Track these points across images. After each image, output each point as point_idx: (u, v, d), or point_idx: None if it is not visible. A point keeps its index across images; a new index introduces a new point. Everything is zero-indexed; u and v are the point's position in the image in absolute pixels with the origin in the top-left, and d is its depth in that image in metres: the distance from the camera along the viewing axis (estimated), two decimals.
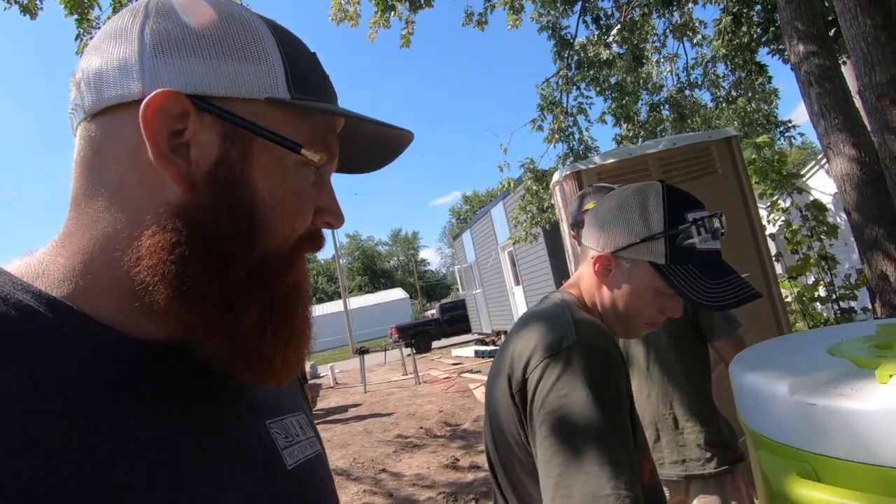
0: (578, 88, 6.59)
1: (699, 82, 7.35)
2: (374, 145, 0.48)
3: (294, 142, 0.39)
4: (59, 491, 0.29)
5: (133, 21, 0.38)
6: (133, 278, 0.36)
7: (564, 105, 6.50)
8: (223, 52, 0.38)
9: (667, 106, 7.41)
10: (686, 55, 7.41)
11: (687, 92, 7.34)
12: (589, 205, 1.49)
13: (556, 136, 6.26)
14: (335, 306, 32.12)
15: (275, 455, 0.43)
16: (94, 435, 0.32)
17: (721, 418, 1.49)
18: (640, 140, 6.81)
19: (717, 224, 0.79)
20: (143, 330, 0.38)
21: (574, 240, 1.60)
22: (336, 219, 0.44)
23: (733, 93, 6.87)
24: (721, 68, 7.16)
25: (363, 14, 5.27)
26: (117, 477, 0.32)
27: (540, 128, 6.53)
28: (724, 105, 7.14)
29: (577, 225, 1.51)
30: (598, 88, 6.77)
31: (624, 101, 6.76)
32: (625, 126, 6.79)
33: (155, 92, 0.35)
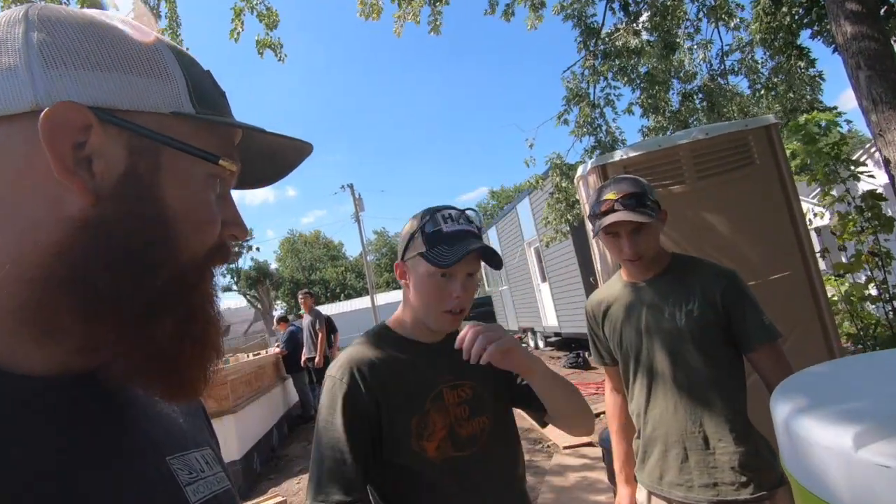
0: (605, 79, 6.35)
1: (735, 69, 6.98)
2: (271, 158, 0.49)
3: (210, 152, 0.40)
4: None
5: (12, 30, 0.36)
6: (25, 299, 0.34)
7: (591, 97, 6.27)
8: (125, 67, 0.38)
9: (700, 95, 7.07)
10: (721, 40, 7.04)
11: (721, 80, 6.98)
12: (609, 195, 1.36)
13: (583, 129, 6.05)
14: (363, 302, 32.46)
15: (177, 491, 0.41)
16: None
17: (758, 436, 1.34)
18: (670, 132, 6.52)
19: (454, 213, 1.01)
20: (29, 361, 0.36)
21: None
22: (240, 230, 0.45)
23: (773, 79, 6.50)
24: (759, 53, 6.79)
25: (385, 9, 5.19)
26: None
27: (566, 121, 6.33)
28: (762, 92, 6.77)
29: (594, 217, 1.40)
30: (626, 78, 6.51)
31: (654, 91, 6.48)
32: (653, 117, 6.51)
33: (56, 103, 0.34)
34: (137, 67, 0.38)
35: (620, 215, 1.33)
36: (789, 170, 2.73)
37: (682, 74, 7.12)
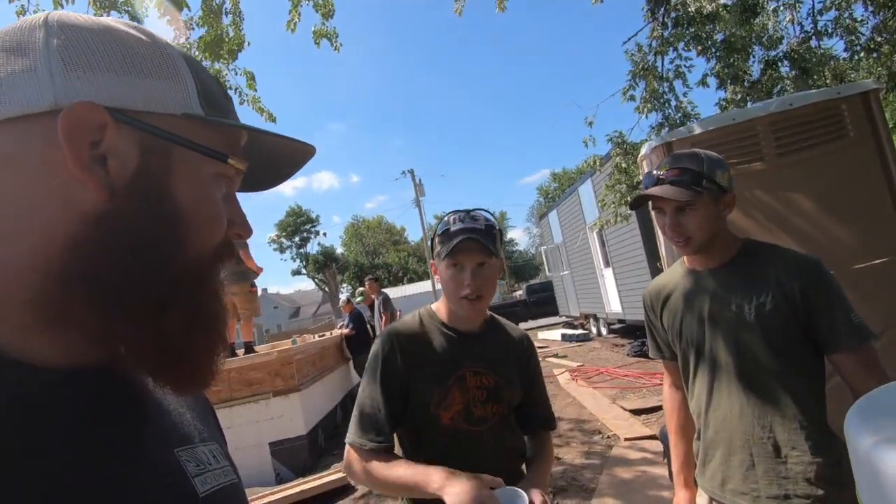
0: (676, 50, 5.88)
1: (829, 30, 6.23)
2: (274, 161, 0.50)
3: (220, 152, 0.42)
4: None
5: (32, 35, 0.38)
6: (40, 291, 0.36)
7: (659, 70, 5.84)
8: (138, 70, 0.39)
9: (786, 61, 6.39)
10: None
11: (813, 42, 6.26)
12: (661, 168, 1.27)
13: (649, 104, 5.66)
14: (424, 286, 32.99)
15: (185, 482, 0.42)
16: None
17: (841, 446, 1.18)
18: (749, 104, 5.95)
19: (462, 215, 1.19)
20: (43, 353, 0.37)
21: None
22: (244, 230, 0.46)
23: (876, 38, 5.73)
24: (859, 10, 6.00)
25: None
26: (23, 497, 0.31)
27: (632, 97, 5.95)
28: (862, 55, 6.00)
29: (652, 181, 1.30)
30: (699, 48, 5.99)
31: (731, 60, 5.92)
32: (731, 88, 5.97)
33: (74, 103, 0.36)
34: (150, 71, 0.40)
35: (657, 190, 1.23)
36: (892, 142, 2.39)
37: (765, 40, 6.45)
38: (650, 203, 1.31)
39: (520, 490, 0.96)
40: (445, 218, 1.21)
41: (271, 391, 4.98)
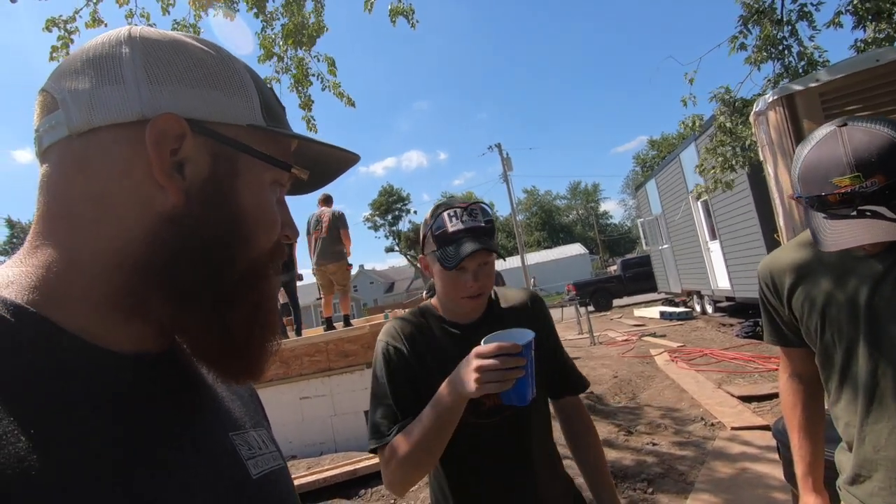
0: None
1: None
2: (318, 166, 0.53)
3: (284, 161, 0.46)
4: (30, 483, 0.30)
5: (118, 49, 0.42)
6: (118, 284, 0.40)
7: (778, 11, 5.06)
8: (211, 83, 0.43)
9: None
10: None
11: None
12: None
13: (764, 53, 4.94)
14: (514, 262, 32.72)
15: (240, 465, 0.45)
16: (61, 442, 0.33)
17: None
18: None
19: (459, 211, 1.07)
20: (116, 339, 0.40)
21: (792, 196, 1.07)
22: (293, 232, 0.50)
23: None
24: None
25: None
26: (84, 487, 0.33)
27: (743, 46, 5.23)
28: None
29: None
30: None
31: None
32: (872, 26, 5.01)
33: (160, 114, 0.40)
34: (220, 84, 0.44)
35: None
36: None
37: None
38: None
39: (524, 330, 0.94)
40: (440, 214, 1.08)
41: (364, 363, 5.23)
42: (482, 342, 0.91)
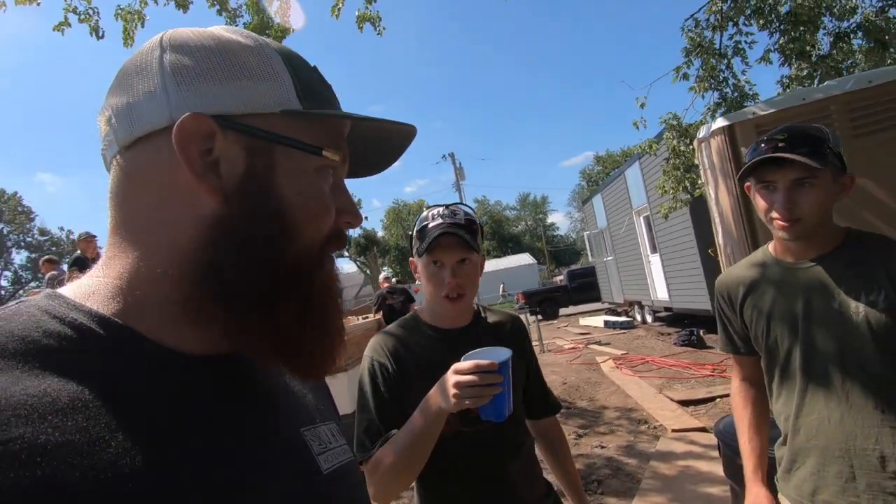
0: (735, 24, 5.54)
1: None
2: (379, 145, 0.51)
3: (314, 145, 0.43)
4: (121, 489, 0.32)
5: (151, 56, 0.42)
6: (179, 291, 0.40)
7: (717, 46, 5.52)
8: (238, 74, 0.42)
9: (860, 33, 5.89)
10: None
11: (893, 12, 5.74)
12: (777, 135, 1.15)
13: (705, 83, 5.37)
14: None
15: (311, 460, 0.46)
16: (151, 438, 0.35)
17: None
18: (816, 81, 5.53)
19: (441, 210, 1.14)
20: (189, 343, 0.41)
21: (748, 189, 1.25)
22: (354, 218, 0.47)
23: None
24: None
25: None
26: (170, 479, 0.35)
27: (685, 76, 5.66)
28: None
29: (745, 164, 1.18)
30: (761, 22, 5.61)
31: (797, 34, 5.51)
32: (796, 64, 5.57)
33: (182, 116, 0.39)
34: (249, 73, 0.42)
35: (782, 154, 1.09)
36: None
37: (836, 10, 5.96)
38: (752, 180, 1.18)
39: (501, 349, 0.97)
40: (424, 213, 1.17)
41: None
42: (462, 359, 0.94)
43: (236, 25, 4.73)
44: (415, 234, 1.16)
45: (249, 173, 0.41)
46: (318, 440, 0.48)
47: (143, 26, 4.32)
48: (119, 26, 4.42)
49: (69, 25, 4.43)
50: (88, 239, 5.69)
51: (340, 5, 4.72)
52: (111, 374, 0.37)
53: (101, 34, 4.51)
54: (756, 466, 1.29)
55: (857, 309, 1.10)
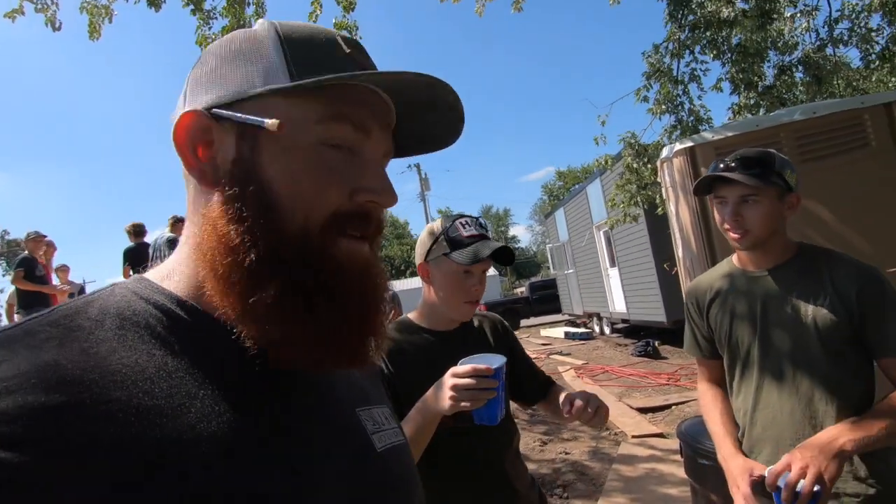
0: (692, 53, 5.92)
1: (845, 38, 6.25)
2: (433, 113, 0.48)
3: (258, 119, 0.40)
4: (199, 449, 0.36)
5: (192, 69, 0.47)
6: (222, 294, 0.41)
7: (674, 72, 5.88)
8: (230, 61, 0.44)
9: (800, 68, 6.42)
10: (829, 6, 6.31)
11: (829, 50, 6.28)
12: (729, 157, 1.31)
13: (663, 106, 5.69)
14: None
15: (365, 437, 0.48)
16: (224, 408, 0.39)
17: (891, 450, 1.22)
18: (762, 110, 5.98)
19: (471, 220, 1.21)
20: (251, 334, 0.42)
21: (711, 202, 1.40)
22: (380, 196, 0.44)
23: (891, 48, 5.76)
24: (875, 20, 6.03)
25: None
26: (242, 444, 0.38)
27: (645, 98, 5.98)
28: (876, 64, 6.03)
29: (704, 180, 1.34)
30: (714, 52, 6.02)
31: (746, 65, 5.95)
32: (745, 93, 6.00)
33: (178, 117, 0.42)
34: (238, 58, 0.43)
35: (727, 173, 1.25)
36: None
37: (780, 45, 6.48)
38: (711, 194, 1.33)
39: (496, 355, 1.02)
40: (452, 223, 1.20)
41: None
42: (459, 363, 0.98)
43: (210, 28, 4.67)
44: (445, 239, 1.18)
45: (238, 159, 0.42)
46: (371, 420, 0.50)
47: (110, 21, 4.19)
48: (84, 20, 4.26)
49: (22, 13, 4.22)
50: (37, 239, 5.38)
51: (318, 12, 4.75)
52: (190, 350, 0.40)
53: (57, 26, 4.34)
54: (733, 444, 1.38)
55: (807, 313, 1.24)
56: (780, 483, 1.07)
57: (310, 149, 0.41)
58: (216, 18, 4.41)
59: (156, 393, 0.36)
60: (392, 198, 0.45)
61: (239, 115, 0.41)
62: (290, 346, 0.41)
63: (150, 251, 5.27)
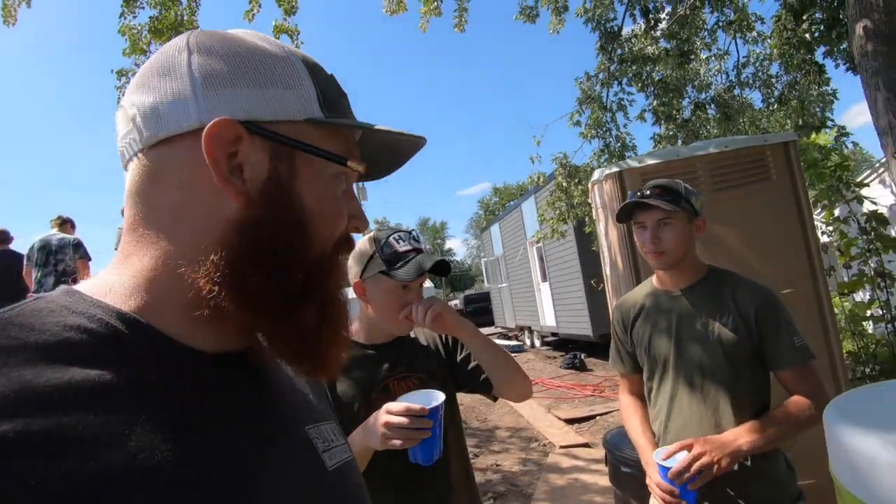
0: (620, 84, 6.36)
1: (750, 82, 6.99)
2: (387, 152, 0.52)
3: (338, 155, 0.44)
4: (140, 482, 0.33)
5: (178, 57, 0.42)
6: (197, 290, 0.40)
7: (604, 100, 6.28)
8: (265, 81, 0.42)
9: (713, 105, 7.09)
10: (738, 52, 7.03)
11: (737, 91, 6.99)
12: (646, 186, 1.44)
13: (593, 131, 6.06)
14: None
15: (316, 456, 0.47)
16: (168, 433, 0.36)
17: (779, 452, 1.37)
18: (680, 141, 6.53)
19: (404, 235, 1.19)
20: (203, 339, 0.42)
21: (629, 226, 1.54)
22: (362, 222, 0.49)
23: (787, 93, 6.51)
24: (775, 68, 6.79)
25: (410, 7, 5.18)
26: (187, 472, 0.36)
27: (577, 122, 6.34)
28: (775, 106, 6.78)
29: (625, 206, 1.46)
30: (639, 85, 6.52)
31: (667, 99, 6.49)
32: (665, 125, 6.52)
33: (213, 120, 0.40)
34: (276, 80, 0.43)
35: (646, 200, 1.38)
36: (805, 187, 2.76)
37: (696, 83, 7.12)
38: (632, 221, 1.45)
39: (432, 391, 1.01)
40: (386, 239, 1.17)
41: None
42: (398, 399, 0.97)
43: (135, 16, 4.38)
44: (379, 257, 1.15)
45: (272, 178, 0.42)
46: (321, 438, 0.49)
47: (28, 6, 3.82)
48: None
49: None
50: None
51: (256, 10, 4.60)
52: (130, 368, 0.37)
53: None
54: (653, 450, 1.48)
55: (713, 330, 1.38)
56: (670, 463, 1.24)
57: (330, 178, 0.45)
58: (143, 8, 4.15)
59: (90, 420, 0.33)
60: (367, 222, 0.51)
61: (304, 143, 0.43)
62: (297, 362, 0.45)
63: (25, 260, 4.51)
